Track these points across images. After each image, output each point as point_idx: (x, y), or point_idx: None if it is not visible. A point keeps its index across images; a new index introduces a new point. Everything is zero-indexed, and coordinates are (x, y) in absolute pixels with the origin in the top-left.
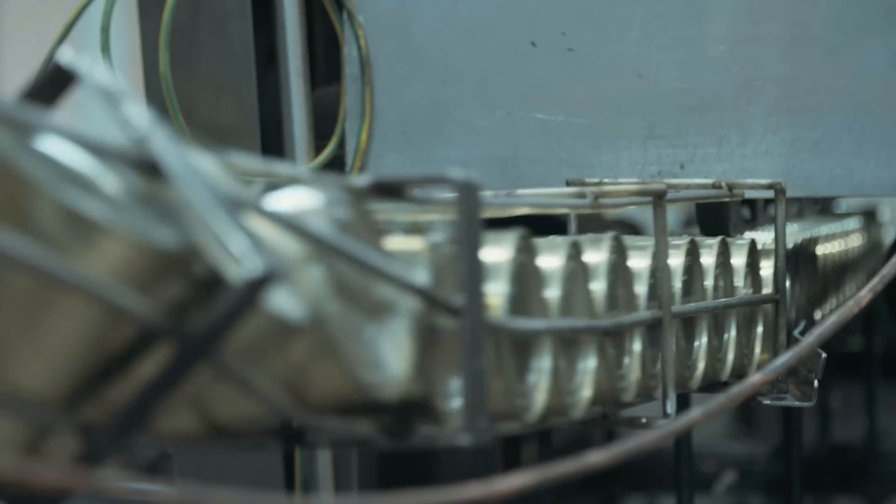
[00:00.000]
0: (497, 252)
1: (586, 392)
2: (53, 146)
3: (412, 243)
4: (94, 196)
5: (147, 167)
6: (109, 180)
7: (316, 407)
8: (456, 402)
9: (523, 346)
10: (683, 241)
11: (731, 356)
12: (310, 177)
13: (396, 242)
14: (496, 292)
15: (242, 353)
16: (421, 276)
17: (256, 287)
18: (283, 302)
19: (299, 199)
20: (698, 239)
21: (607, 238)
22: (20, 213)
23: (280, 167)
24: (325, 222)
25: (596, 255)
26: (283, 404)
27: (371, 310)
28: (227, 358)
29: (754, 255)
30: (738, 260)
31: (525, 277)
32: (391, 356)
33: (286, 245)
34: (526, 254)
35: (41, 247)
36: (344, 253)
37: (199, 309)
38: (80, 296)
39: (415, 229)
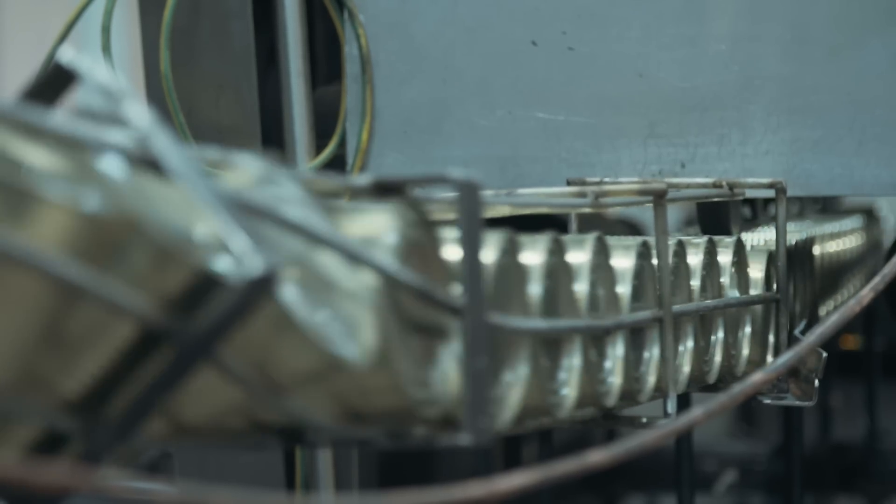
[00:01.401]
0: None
1: (616, 382)
2: None
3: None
4: (25, 169)
5: (148, 166)
6: (38, 154)
7: (362, 418)
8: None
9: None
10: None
11: (718, 357)
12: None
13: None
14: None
15: (300, 378)
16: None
17: (257, 287)
18: (344, 345)
19: (374, 225)
20: (685, 239)
21: (590, 238)
22: None
23: (334, 179)
24: (392, 249)
25: (580, 255)
26: (288, 405)
27: (420, 327)
28: (228, 357)
29: (741, 254)
30: (726, 259)
31: (509, 275)
32: (440, 375)
33: (347, 275)
34: (510, 254)
35: None
36: (382, 271)
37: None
38: (20, 269)
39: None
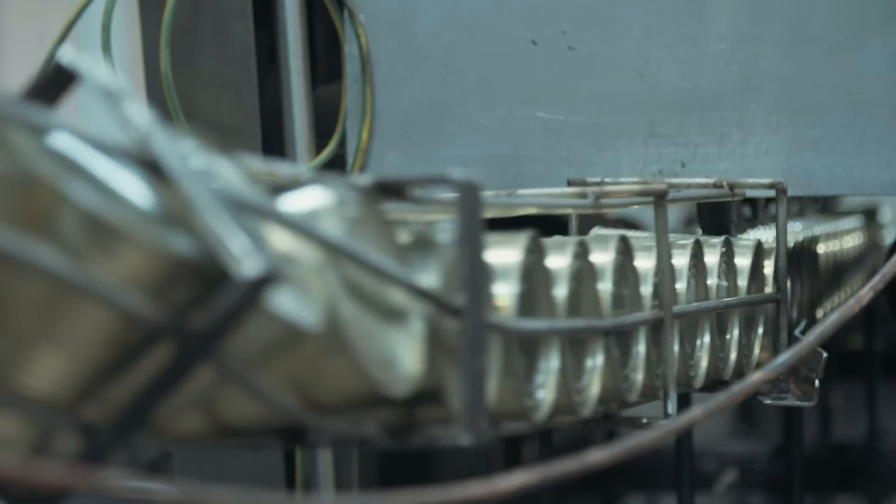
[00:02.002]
0: (507, 253)
1: (594, 390)
2: (70, 147)
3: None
4: (114, 202)
5: (148, 166)
6: (127, 185)
7: (324, 406)
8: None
9: (531, 345)
10: (689, 241)
11: (733, 356)
12: (313, 177)
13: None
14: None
15: (252, 354)
16: (428, 279)
17: (258, 287)
18: (294, 307)
19: (311, 200)
20: (703, 238)
21: (614, 238)
22: (43, 218)
23: (284, 168)
24: (335, 222)
25: (603, 256)
26: (287, 404)
27: (384, 309)
28: (229, 357)
29: (759, 255)
30: (743, 260)
31: (533, 277)
32: (404, 354)
33: (297, 247)
34: (535, 254)
35: (60, 253)
36: (352, 255)
37: (203, 308)
38: (96, 302)
39: (423, 230)
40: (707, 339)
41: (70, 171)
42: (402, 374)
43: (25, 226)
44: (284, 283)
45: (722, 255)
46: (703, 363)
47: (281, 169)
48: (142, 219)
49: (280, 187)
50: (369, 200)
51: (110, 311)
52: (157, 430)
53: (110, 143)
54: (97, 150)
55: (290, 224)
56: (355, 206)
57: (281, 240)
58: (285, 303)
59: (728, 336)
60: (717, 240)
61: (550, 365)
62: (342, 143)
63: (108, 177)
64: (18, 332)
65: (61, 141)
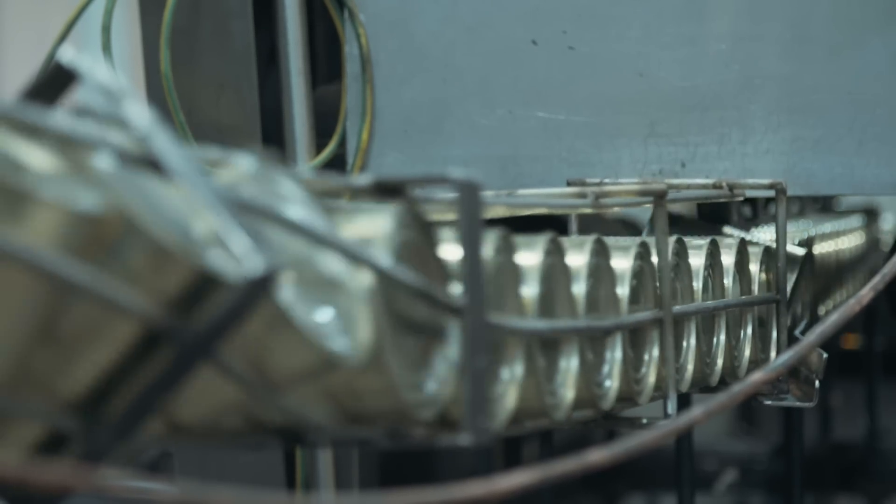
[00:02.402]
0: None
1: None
2: None
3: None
4: (19, 168)
5: (149, 166)
6: (35, 153)
7: (357, 419)
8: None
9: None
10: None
11: (720, 360)
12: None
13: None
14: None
15: (291, 378)
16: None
17: (258, 286)
18: (339, 341)
19: (374, 226)
20: (686, 239)
21: (590, 240)
22: None
23: (335, 178)
24: (392, 247)
25: (579, 258)
26: (316, 416)
27: (416, 329)
28: (228, 357)
29: (743, 254)
30: (728, 259)
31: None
32: (435, 379)
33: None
34: (505, 253)
35: None
36: (381, 270)
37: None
38: (19, 267)
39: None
40: (693, 340)
41: None
42: (430, 399)
43: None
44: (331, 316)
45: (708, 254)
46: (690, 366)
47: (332, 179)
48: (47, 181)
49: (330, 195)
50: (423, 225)
51: (31, 276)
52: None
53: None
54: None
55: (292, 226)
56: (409, 230)
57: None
58: (327, 331)
59: (716, 339)
60: (703, 241)
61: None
62: (342, 143)
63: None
64: None
65: None
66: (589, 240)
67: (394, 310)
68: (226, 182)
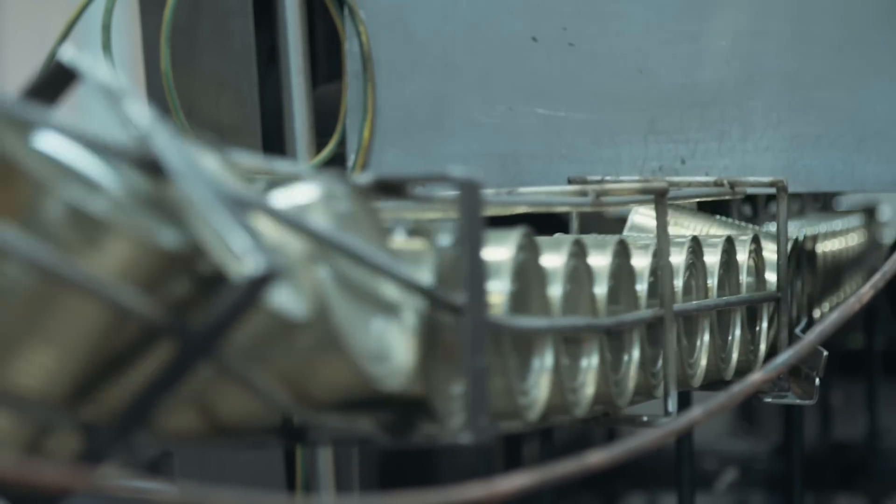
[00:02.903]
0: (500, 251)
1: (588, 390)
2: (56, 144)
3: (416, 242)
4: (98, 195)
5: (148, 165)
6: (113, 179)
7: (318, 402)
8: (457, 402)
9: (525, 344)
10: (685, 240)
11: (734, 355)
12: (310, 173)
13: (400, 241)
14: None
15: (245, 350)
16: (424, 275)
17: (258, 285)
18: (285, 298)
19: (301, 195)
20: (701, 237)
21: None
22: (26, 211)
23: (280, 164)
24: (326, 217)
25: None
26: (284, 401)
27: (376, 303)
28: (229, 356)
29: (731, 252)
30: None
31: (527, 276)
32: (397, 348)
33: (289, 241)
34: (529, 252)
35: (46, 246)
36: (345, 250)
37: (201, 306)
38: (85, 296)
39: (420, 228)
40: (683, 340)
41: (53, 166)
42: (395, 368)
43: (8, 217)
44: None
45: (690, 253)
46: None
47: (279, 166)
48: (128, 211)
49: (277, 183)
50: (360, 196)
51: (99, 305)
52: (157, 429)
53: (92, 138)
54: (82, 145)
55: (280, 216)
56: (346, 201)
57: (270, 232)
58: (275, 294)
59: (698, 341)
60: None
61: (545, 363)
62: (343, 142)
63: (93, 170)
64: (7, 327)
65: (47, 138)
66: (567, 240)
67: (347, 282)
68: (301, 209)
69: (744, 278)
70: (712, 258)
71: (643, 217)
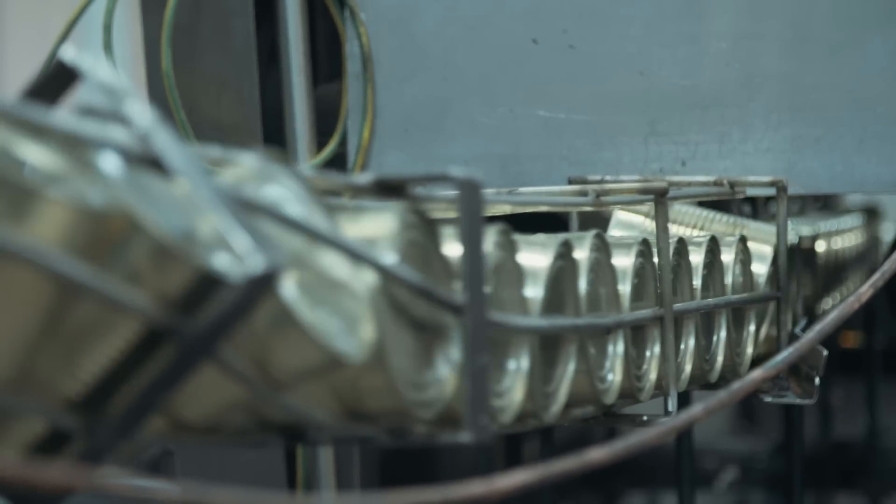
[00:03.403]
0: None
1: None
2: None
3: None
4: (26, 166)
5: (150, 164)
6: (39, 152)
7: (359, 418)
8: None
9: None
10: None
11: (720, 358)
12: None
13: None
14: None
15: (294, 376)
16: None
17: (259, 285)
18: (343, 341)
19: (377, 226)
20: (686, 237)
21: (589, 236)
22: None
23: (338, 177)
24: (396, 247)
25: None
26: (320, 415)
27: (422, 327)
28: (229, 355)
29: (715, 252)
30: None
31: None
32: (436, 378)
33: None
34: (506, 250)
35: None
36: (384, 270)
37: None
38: (22, 266)
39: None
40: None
41: None
42: (431, 398)
43: None
44: (335, 315)
45: (675, 253)
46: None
47: (334, 178)
48: (54, 178)
49: (332, 193)
50: (426, 224)
51: (38, 275)
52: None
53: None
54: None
55: (281, 216)
56: (415, 230)
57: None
58: (330, 329)
59: (683, 344)
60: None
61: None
62: (343, 142)
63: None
64: None
65: None
66: (554, 241)
67: (396, 308)
68: (228, 181)
69: (729, 280)
70: (697, 258)
71: (627, 214)
